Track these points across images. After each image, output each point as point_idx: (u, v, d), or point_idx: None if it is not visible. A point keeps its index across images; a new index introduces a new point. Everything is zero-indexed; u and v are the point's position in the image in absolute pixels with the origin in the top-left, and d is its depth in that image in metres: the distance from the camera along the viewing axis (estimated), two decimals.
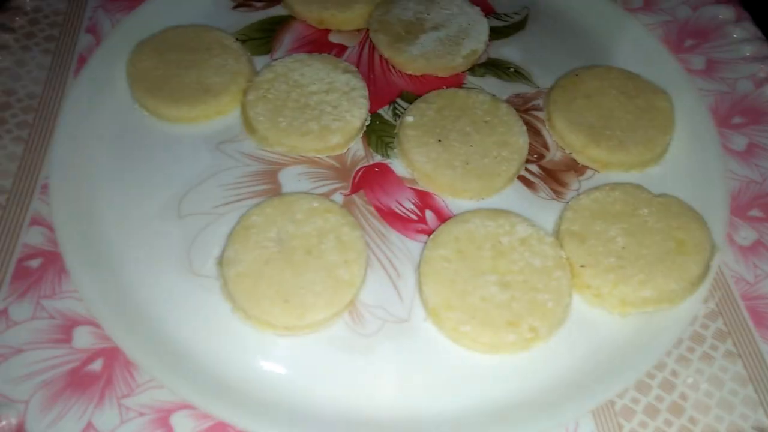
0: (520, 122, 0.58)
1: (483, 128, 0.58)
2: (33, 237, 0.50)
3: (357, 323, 0.50)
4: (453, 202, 0.56)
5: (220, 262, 0.50)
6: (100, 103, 0.59)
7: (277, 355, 0.48)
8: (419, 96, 0.61)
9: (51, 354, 0.45)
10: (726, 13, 0.67)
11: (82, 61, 0.60)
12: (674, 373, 0.47)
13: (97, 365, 0.45)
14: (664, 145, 0.59)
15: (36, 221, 0.51)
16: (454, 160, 0.56)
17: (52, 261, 0.49)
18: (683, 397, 0.46)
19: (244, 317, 0.48)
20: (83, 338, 0.46)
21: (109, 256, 0.51)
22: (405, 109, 0.61)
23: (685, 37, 0.66)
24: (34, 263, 0.49)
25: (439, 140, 0.57)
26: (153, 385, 0.45)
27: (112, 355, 0.45)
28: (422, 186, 0.57)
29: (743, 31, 0.66)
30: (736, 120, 0.61)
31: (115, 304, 0.48)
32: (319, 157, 0.57)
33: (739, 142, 0.59)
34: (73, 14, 0.63)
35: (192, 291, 0.50)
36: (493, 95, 0.60)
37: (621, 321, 0.50)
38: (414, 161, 0.56)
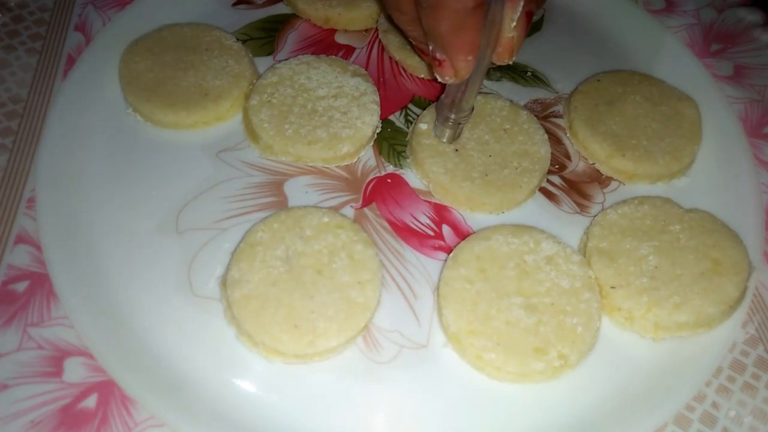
0: (541, 130, 0.55)
1: (502, 137, 0.54)
2: (18, 257, 0.46)
3: (371, 349, 0.46)
4: (471, 216, 0.53)
5: (224, 282, 0.46)
6: (91, 108, 0.55)
7: (286, 385, 0.44)
8: (432, 101, 0.57)
9: (40, 389, 0.41)
10: (752, 16, 0.64)
11: (71, 61, 0.57)
12: (715, 406, 0.44)
13: (90, 401, 0.41)
14: (692, 156, 0.56)
15: (21, 239, 0.47)
16: (472, 171, 0.52)
17: (40, 283, 0.45)
18: None
19: (249, 343, 0.45)
20: (75, 371, 0.42)
21: (101, 277, 0.47)
22: (418, 116, 0.57)
23: (711, 42, 0.63)
24: (20, 286, 0.45)
25: (456, 149, 0.53)
26: (152, 423, 0.41)
27: (106, 389, 0.42)
28: (438, 199, 0.53)
29: None
30: None
31: (108, 331, 0.44)
32: (327, 168, 0.54)
33: None
34: (61, 11, 0.59)
35: (192, 314, 0.46)
36: (512, 101, 0.57)
37: (653, 346, 0.48)
38: (429, 172, 0.53)
